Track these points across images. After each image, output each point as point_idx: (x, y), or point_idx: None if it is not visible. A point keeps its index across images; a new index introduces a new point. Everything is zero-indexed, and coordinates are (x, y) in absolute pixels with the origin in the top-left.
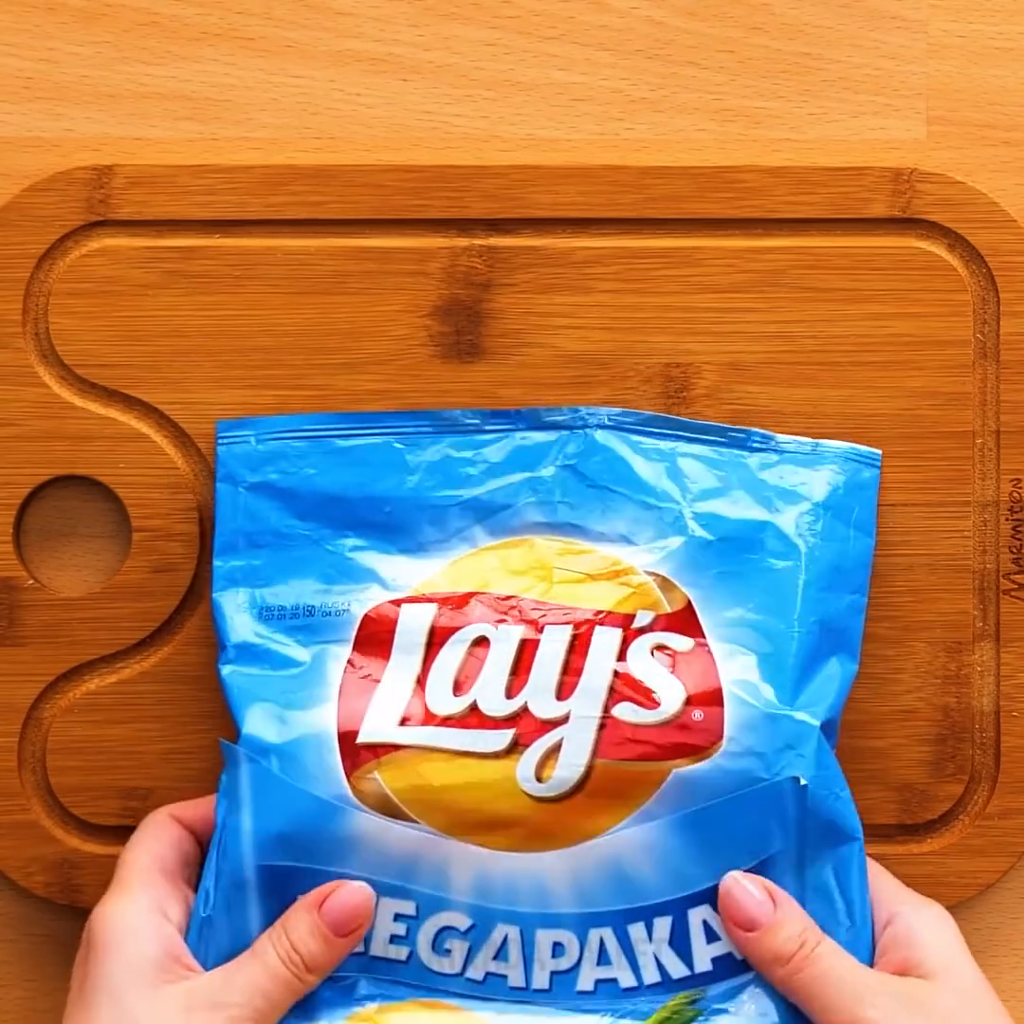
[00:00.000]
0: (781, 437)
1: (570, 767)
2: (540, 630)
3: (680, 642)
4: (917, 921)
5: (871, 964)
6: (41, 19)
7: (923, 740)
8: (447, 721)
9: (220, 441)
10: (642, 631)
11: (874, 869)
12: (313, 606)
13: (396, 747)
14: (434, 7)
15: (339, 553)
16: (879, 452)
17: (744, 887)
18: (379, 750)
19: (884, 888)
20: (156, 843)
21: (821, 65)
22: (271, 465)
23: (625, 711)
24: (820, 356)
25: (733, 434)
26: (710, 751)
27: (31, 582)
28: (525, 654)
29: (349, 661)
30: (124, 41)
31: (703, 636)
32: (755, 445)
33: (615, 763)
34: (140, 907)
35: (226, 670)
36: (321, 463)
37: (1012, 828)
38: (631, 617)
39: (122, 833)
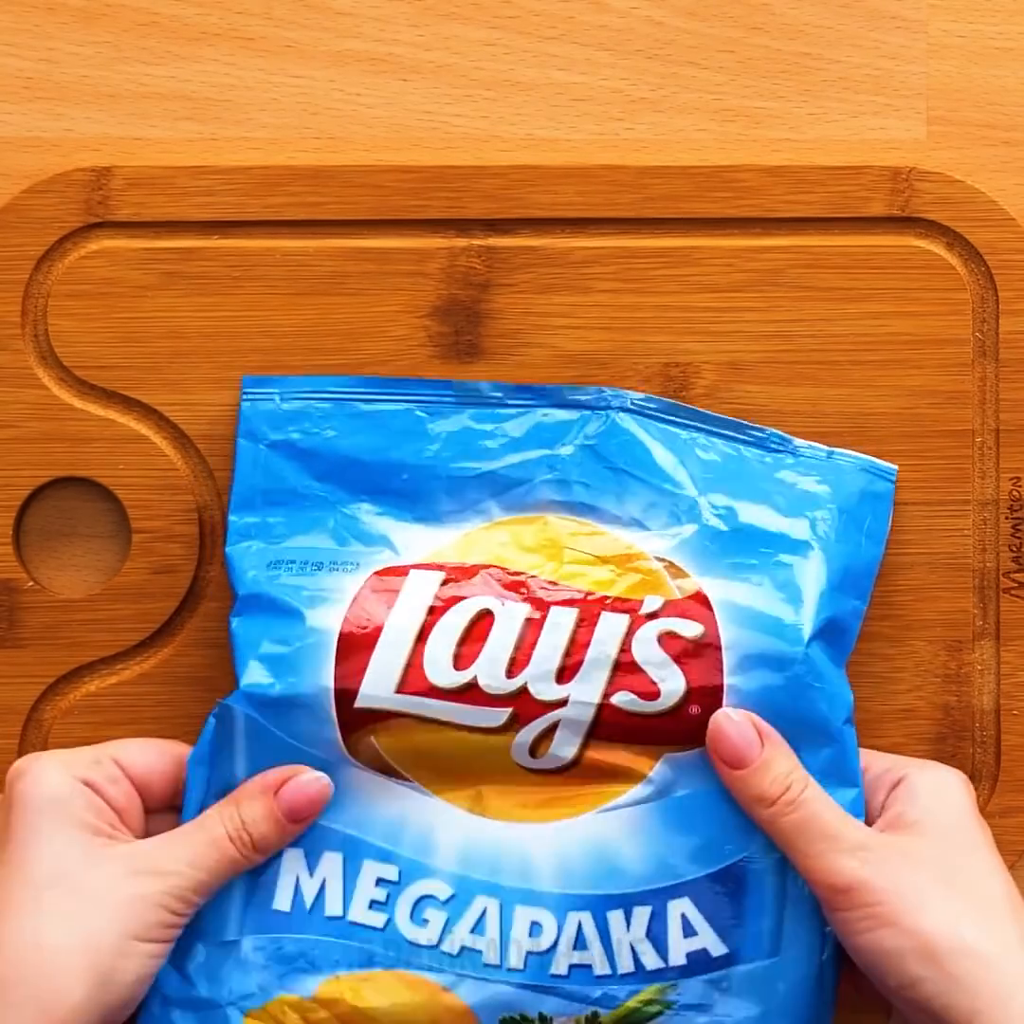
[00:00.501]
0: (798, 441)
1: (564, 748)
2: (546, 610)
3: (689, 627)
4: (919, 780)
5: None
6: (41, 19)
7: (923, 739)
8: (445, 694)
9: (245, 397)
10: (650, 617)
11: (878, 753)
12: (322, 561)
13: (394, 714)
14: (434, 7)
15: (354, 516)
16: (895, 468)
17: (734, 723)
18: (377, 715)
19: (888, 759)
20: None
21: (821, 65)
22: (294, 424)
23: (623, 699)
24: (819, 355)
25: (752, 432)
26: (703, 741)
27: (31, 584)
28: (529, 633)
29: (348, 617)
30: (124, 41)
31: (714, 623)
32: (773, 446)
33: (608, 744)
34: (69, 772)
35: (234, 622)
36: (343, 426)
37: (1013, 827)
38: (639, 603)
39: None
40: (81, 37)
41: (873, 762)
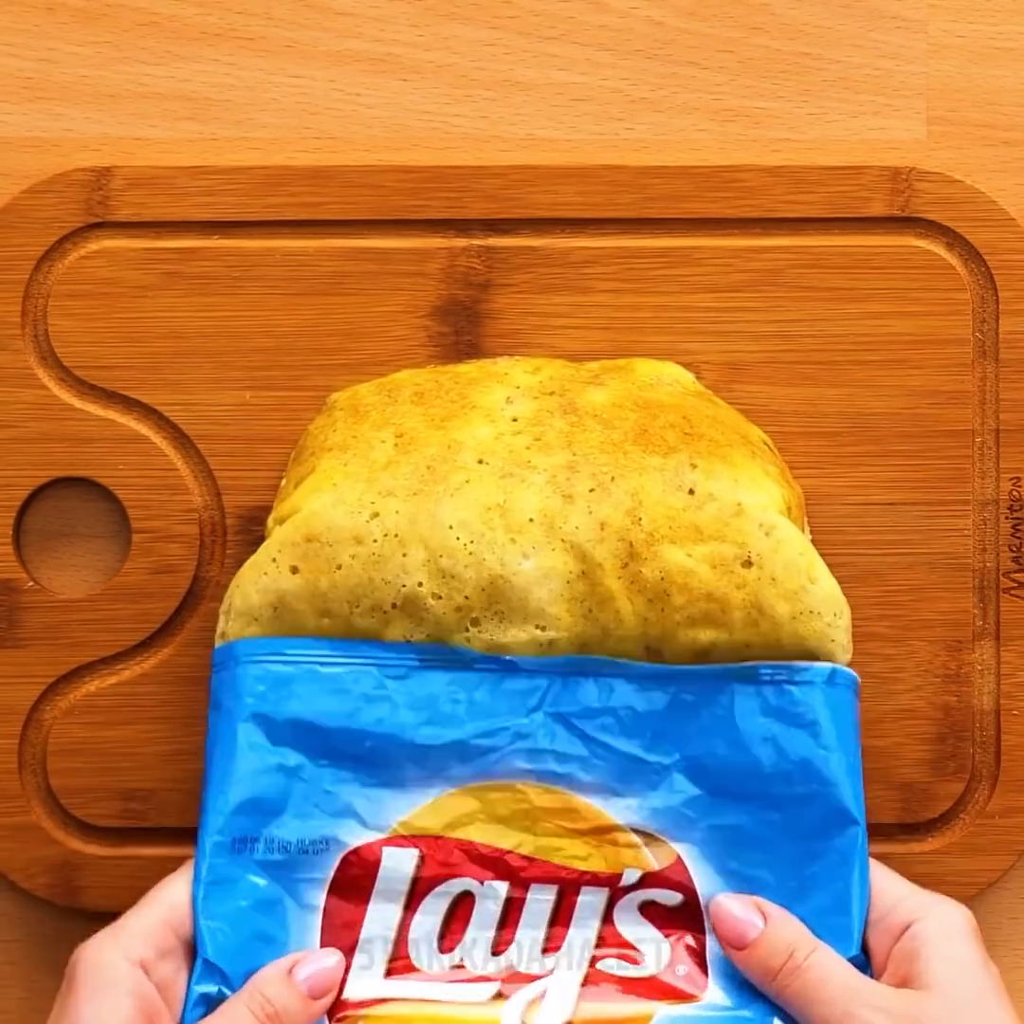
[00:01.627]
0: (791, 667)
1: (556, 1013)
2: (525, 889)
3: (668, 897)
4: (925, 930)
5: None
6: (41, 19)
7: (924, 739)
8: (432, 976)
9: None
10: (629, 890)
11: (884, 873)
12: (288, 842)
13: (381, 1000)
14: (434, 7)
15: (315, 785)
16: (855, 676)
17: (731, 905)
18: (365, 1003)
19: (895, 892)
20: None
21: (821, 65)
22: (257, 688)
23: (610, 965)
24: (819, 355)
25: (738, 671)
26: (695, 996)
27: (31, 584)
28: (511, 913)
29: (327, 905)
30: (124, 41)
31: (693, 891)
32: (763, 677)
33: (600, 1006)
34: (124, 956)
35: (203, 908)
36: (302, 690)
37: (1013, 826)
38: (618, 876)
39: (123, 835)
40: (81, 37)
41: (877, 899)
